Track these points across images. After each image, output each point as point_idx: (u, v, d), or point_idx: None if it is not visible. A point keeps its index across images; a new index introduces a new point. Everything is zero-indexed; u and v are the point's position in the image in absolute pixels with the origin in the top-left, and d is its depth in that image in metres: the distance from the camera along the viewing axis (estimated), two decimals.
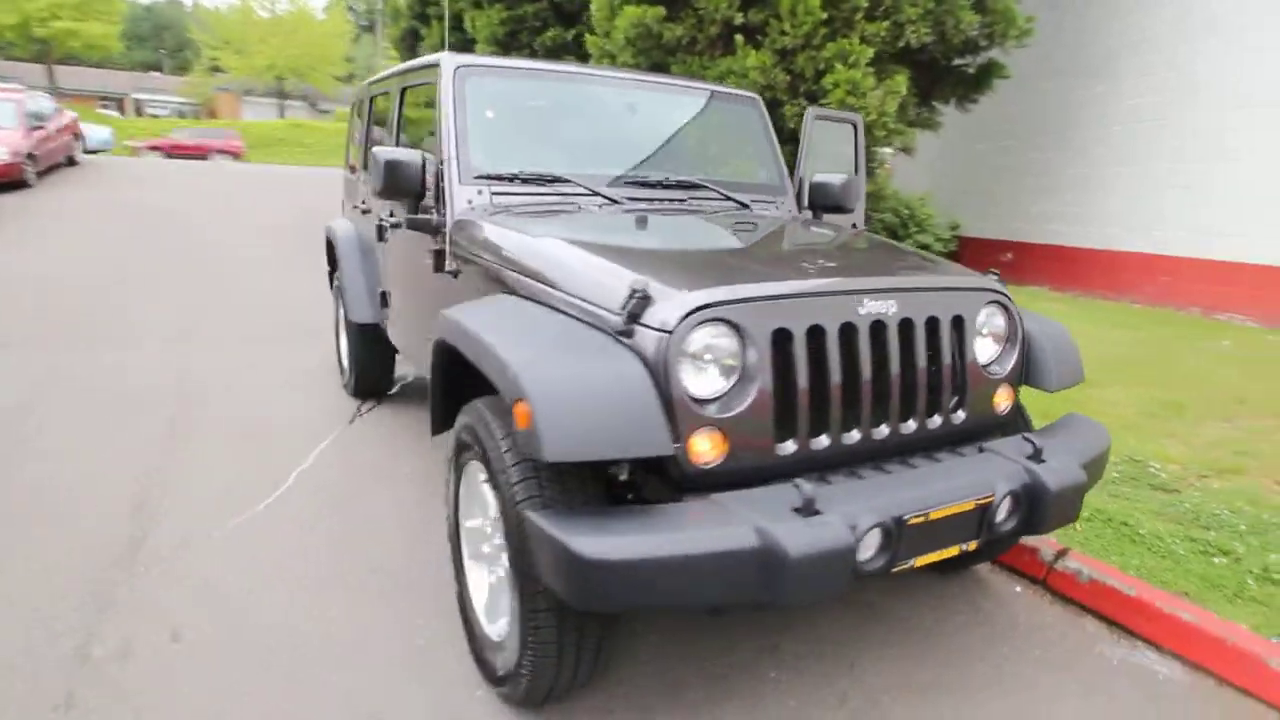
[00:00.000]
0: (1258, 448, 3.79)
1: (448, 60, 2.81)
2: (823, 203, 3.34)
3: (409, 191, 2.70)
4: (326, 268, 4.99)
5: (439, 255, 2.70)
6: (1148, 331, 6.70)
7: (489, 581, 2.12)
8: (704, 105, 3.31)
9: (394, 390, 4.55)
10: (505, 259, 2.27)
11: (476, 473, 2.10)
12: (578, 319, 1.91)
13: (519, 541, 1.71)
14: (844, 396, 1.90)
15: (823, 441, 1.88)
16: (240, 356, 5.19)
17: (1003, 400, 2.25)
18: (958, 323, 2.10)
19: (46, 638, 2.25)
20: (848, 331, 1.90)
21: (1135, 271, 8.14)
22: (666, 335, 1.71)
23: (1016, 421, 2.38)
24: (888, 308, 1.97)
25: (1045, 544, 2.76)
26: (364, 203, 4.00)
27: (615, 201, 2.77)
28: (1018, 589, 2.74)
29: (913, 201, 8.36)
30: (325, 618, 2.41)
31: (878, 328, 1.95)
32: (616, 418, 1.62)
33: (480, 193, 2.66)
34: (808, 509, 1.66)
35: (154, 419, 4.00)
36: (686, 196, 2.98)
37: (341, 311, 4.47)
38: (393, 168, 2.62)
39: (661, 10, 6.44)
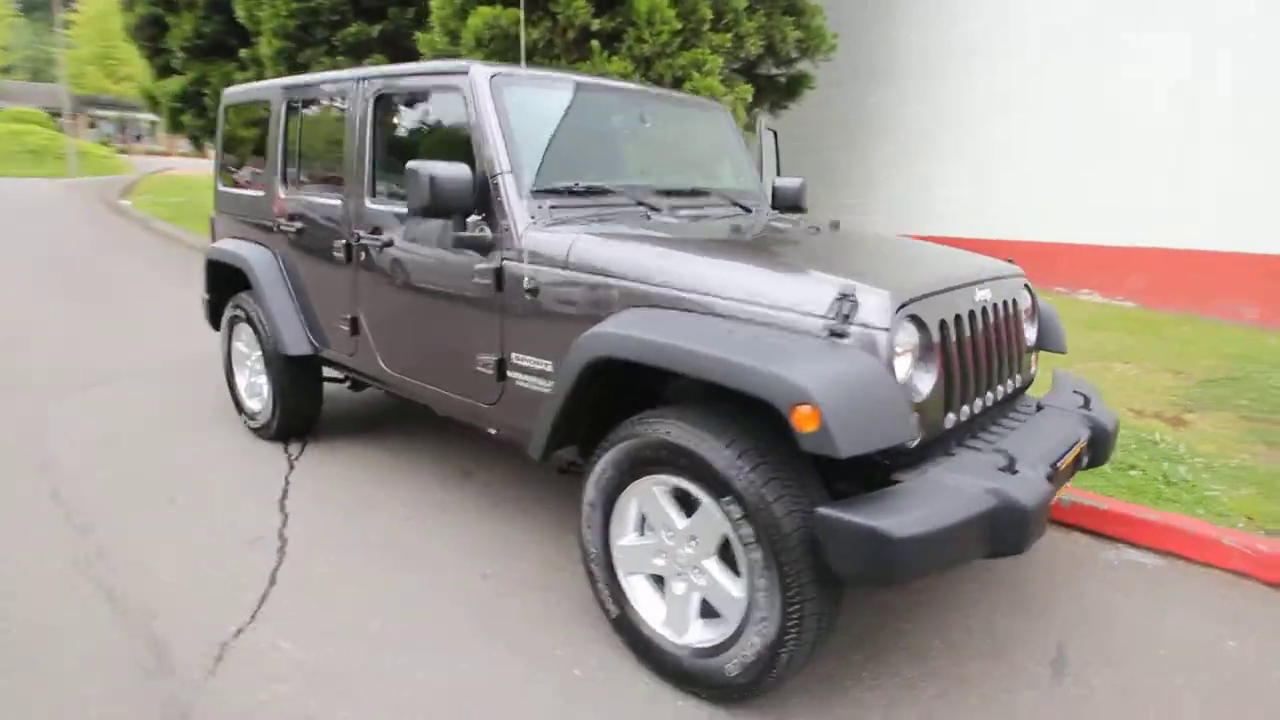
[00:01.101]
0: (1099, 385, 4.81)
1: (479, 70, 2.66)
2: (784, 204, 3.65)
3: (458, 209, 2.54)
4: (205, 298, 4.33)
5: (498, 274, 2.57)
6: None
7: (676, 592, 2.12)
8: (694, 115, 3.44)
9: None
10: (634, 273, 2.25)
11: (653, 487, 2.10)
12: (761, 324, 2.00)
13: (785, 537, 1.79)
14: (978, 370, 2.21)
15: (966, 411, 2.18)
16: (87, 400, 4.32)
17: (1033, 364, 2.72)
18: (1015, 302, 2.52)
19: None
20: (972, 316, 2.21)
21: None
22: (885, 332, 1.88)
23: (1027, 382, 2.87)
24: (988, 294, 2.31)
25: None
26: (290, 221, 3.56)
27: (657, 210, 2.83)
28: None
29: None
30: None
31: (984, 311, 2.28)
32: (879, 411, 1.76)
33: (541, 207, 2.58)
34: (1011, 467, 1.94)
35: (25, 492, 3.25)
36: (703, 203, 3.11)
37: (242, 346, 3.96)
38: (441, 184, 2.45)
39: (518, 12, 6.35)
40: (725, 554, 2.02)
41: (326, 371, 3.84)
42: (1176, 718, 2.10)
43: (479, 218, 2.59)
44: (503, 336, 2.62)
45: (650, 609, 2.20)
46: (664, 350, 1.97)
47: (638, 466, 2.10)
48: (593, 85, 2.99)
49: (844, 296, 1.90)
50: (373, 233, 3.07)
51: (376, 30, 8.81)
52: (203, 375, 5.11)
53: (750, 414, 1.95)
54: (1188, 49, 7.12)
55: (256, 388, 4.07)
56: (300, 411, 3.90)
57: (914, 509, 1.74)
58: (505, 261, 2.56)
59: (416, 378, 3.07)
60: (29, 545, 2.88)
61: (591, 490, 2.23)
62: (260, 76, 10.14)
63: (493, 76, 2.66)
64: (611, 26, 6.49)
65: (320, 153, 3.50)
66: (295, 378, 3.80)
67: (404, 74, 2.98)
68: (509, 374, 2.63)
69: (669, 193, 2.99)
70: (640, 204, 2.82)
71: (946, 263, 2.47)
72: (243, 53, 10.30)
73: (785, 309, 1.99)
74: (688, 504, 2.08)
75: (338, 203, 3.26)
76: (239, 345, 4.13)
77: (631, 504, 2.19)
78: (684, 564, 2.09)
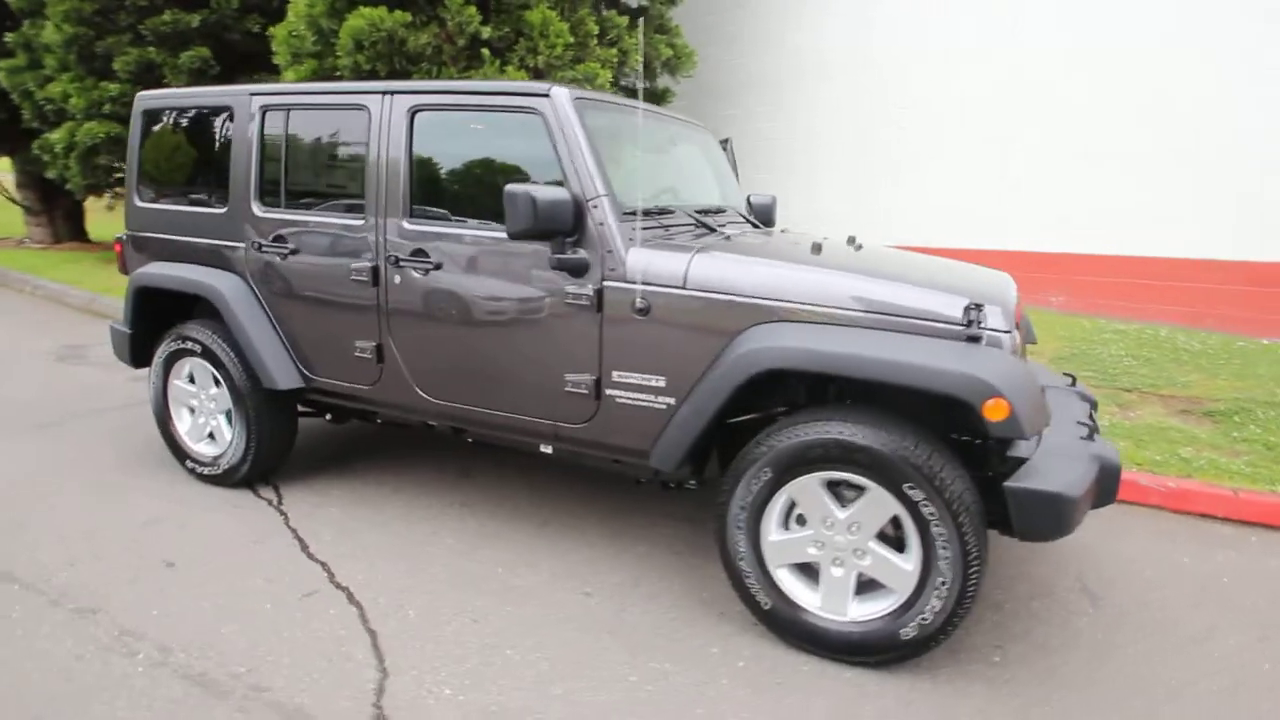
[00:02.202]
0: None
1: (561, 92, 2.67)
2: (761, 218, 3.99)
3: (558, 231, 2.56)
4: (126, 332, 3.75)
5: (599, 295, 2.62)
6: None
7: (835, 576, 2.36)
8: (696, 136, 3.64)
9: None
10: (764, 291, 2.42)
11: (811, 483, 2.32)
12: (900, 332, 2.30)
13: (966, 509, 2.11)
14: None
15: None
16: None
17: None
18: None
19: None
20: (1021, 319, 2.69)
21: None
22: (1008, 335, 2.27)
23: None
24: (1018, 297, 2.81)
25: None
26: (274, 243, 3.24)
27: (710, 228, 3.02)
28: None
29: None
30: None
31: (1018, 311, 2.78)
32: (1037, 399, 2.13)
33: (634, 228, 2.67)
34: (1090, 435, 2.43)
35: None
36: (725, 220, 3.34)
37: (183, 384, 3.61)
38: (543, 206, 2.47)
39: (407, 15, 6.08)
40: (881, 535, 2.30)
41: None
42: (1178, 617, 2.72)
43: (572, 240, 2.62)
44: (601, 356, 2.67)
45: (805, 596, 2.41)
46: (845, 360, 2.19)
47: (800, 466, 2.30)
48: (630, 108, 3.09)
49: (975, 306, 2.26)
50: (413, 255, 2.93)
51: (197, 20, 7.87)
52: (82, 422, 4.40)
53: (900, 410, 2.26)
54: (1003, 66, 8.29)
55: (206, 430, 3.63)
56: (277, 451, 3.56)
57: (1068, 474, 2.14)
58: (606, 283, 2.62)
59: (468, 403, 2.98)
60: (52, 659, 2.41)
61: (743, 492, 2.39)
62: (35, 66, 8.61)
63: (575, 99, 2.70)
64: (500, 35, 6.45)
65: (320, 169, 3.23)
66: (274, 414, 3.46)
67: (452, 90, 2.87)
68: (607, 392, 2.69)
69: (703, 211, 3.18)
70: (698, 223, 2.99)
71: (988, 274, 2.92)
72: (9, 38, 8.63)
73: (922, 318, 2.30)
74: (836, 495, 2.34)
75: (358, 223, 3.05)
76: (179, 384, 3.64)
77: (780, 502, 2.39)
78: (843, 549, 2.34)
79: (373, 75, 6.32)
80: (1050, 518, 2.07)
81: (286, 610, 2.61)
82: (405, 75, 6.37)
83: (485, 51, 6.39)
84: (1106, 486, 2.31)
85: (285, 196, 3.26)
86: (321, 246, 3.16)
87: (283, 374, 3.31)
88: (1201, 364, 5.47)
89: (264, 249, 3.28)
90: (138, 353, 3.79)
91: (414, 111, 2.92)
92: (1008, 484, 2.08)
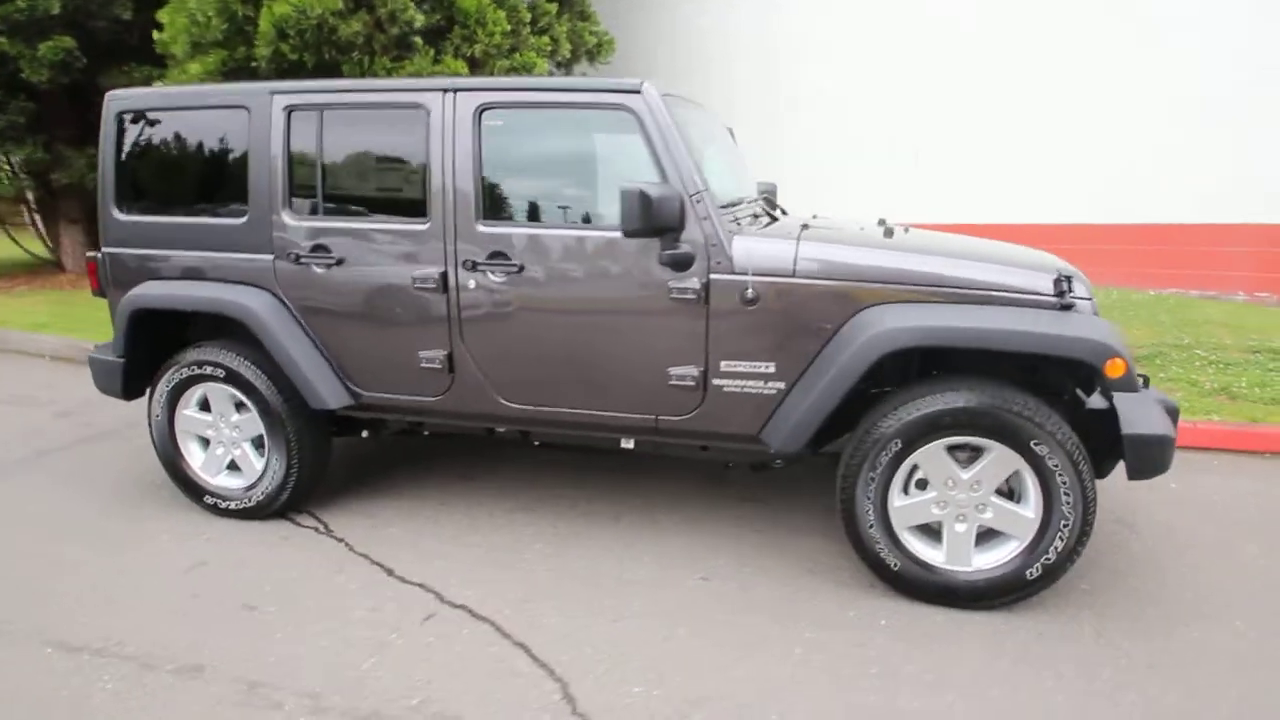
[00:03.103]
0: None
1: (652, 89, 2.68)
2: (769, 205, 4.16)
3: (669, 227, 2.60)
4: (120, 360, 3.35)
5: (706, 287, 2.68)
6: None
7: (958, 531, 2.57)
8: (719, 128, 3.72)
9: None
10: (876, 274, 2.58)
11: (936, 449, 2.52)
12: (1003, 305, 2.54)
13: (1084, 457, 2.40)
14: None
15: None
16: None
17: None
18: None
19: None
20: None
21: None
22: (1089, 302, 2.57)
23: None
24: None
25: None
26: (314, 254, 3.03)
27: (774, 217, 3.15)
28: None
29: None
30: None
31: None
32: (1132, 356, 2.44)
33: (735, 219, 2.75)
34: (1146, 383, 2.79)
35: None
36: (759, 210, 3.44)
37: (194, 413, 3.31)
38: (658, 204, 2.52)
39: (337, 2, 5.69)
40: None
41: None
42: (1201, 532, 3.19)
43: (678, 235, 2.66)
44: (708, 347, 2.74)
45: (930, 553, 2.62)
46: (979, 334, 2.40)
47: (928, 434, 2.49)
48: (692, 102, 3.13)
49: (1065, 278, 2.54)
50: (491, 258, 2.85)
51: (57, 5, 6.95)
52: (33, 466, 3.93)
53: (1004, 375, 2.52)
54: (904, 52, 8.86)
55: (225, 461, 3.35)
56: (317, 475, 3.34)
57: (1160, 419, 2.47)
58: (713, 275, 2.68)
59: (555, 405, 2.95)
60: None
61: (872, 464, 2.55)
62: None
63: (664, 96, 2.72)
64: (433, 23, 6.20)
65: (365, 172, 3.03)
66: (315, 436, 3.25)
67: (527, 88, 2.80)
68: (714, 382, 2.76)
69: (736, 202, 3.28)
70: (760, 212, 3.11)
71: (1038, 252, 3.21)
72: None
73: (1020, 292, 2.54)
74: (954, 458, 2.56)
75: (420, 228, 2.91)
76: (188, 414, 3.32)
77: (905, 469, 2.58)
78: (965, 505, 2.56)
79: (298, 67, 5.89)
80: (1160, 458, 2.39)
81: (417, 636, 2.50)
82: (334, 66, 5.98)
83: (418, 40, 6.12)
84: (1175, 427, 2.67)
85: (322, 203, 3.04)
86: (373, 255, 2.98)
87: (332, 393, 3.11)
88: (1114, 316, 6.25)
89: (301, 260, 3.05)
90: (131, 383, 3.40)
91: (481, 110, 2.82)
92: (1126, 431, 2.38)
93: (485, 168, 2.85)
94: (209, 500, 3.34)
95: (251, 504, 3.28)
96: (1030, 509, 2.50)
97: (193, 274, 3.23)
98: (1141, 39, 7.68)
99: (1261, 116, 7.42)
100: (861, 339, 2.51)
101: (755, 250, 2.67)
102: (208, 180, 3.24)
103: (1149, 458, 2.40)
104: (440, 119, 2.85)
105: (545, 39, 6.77)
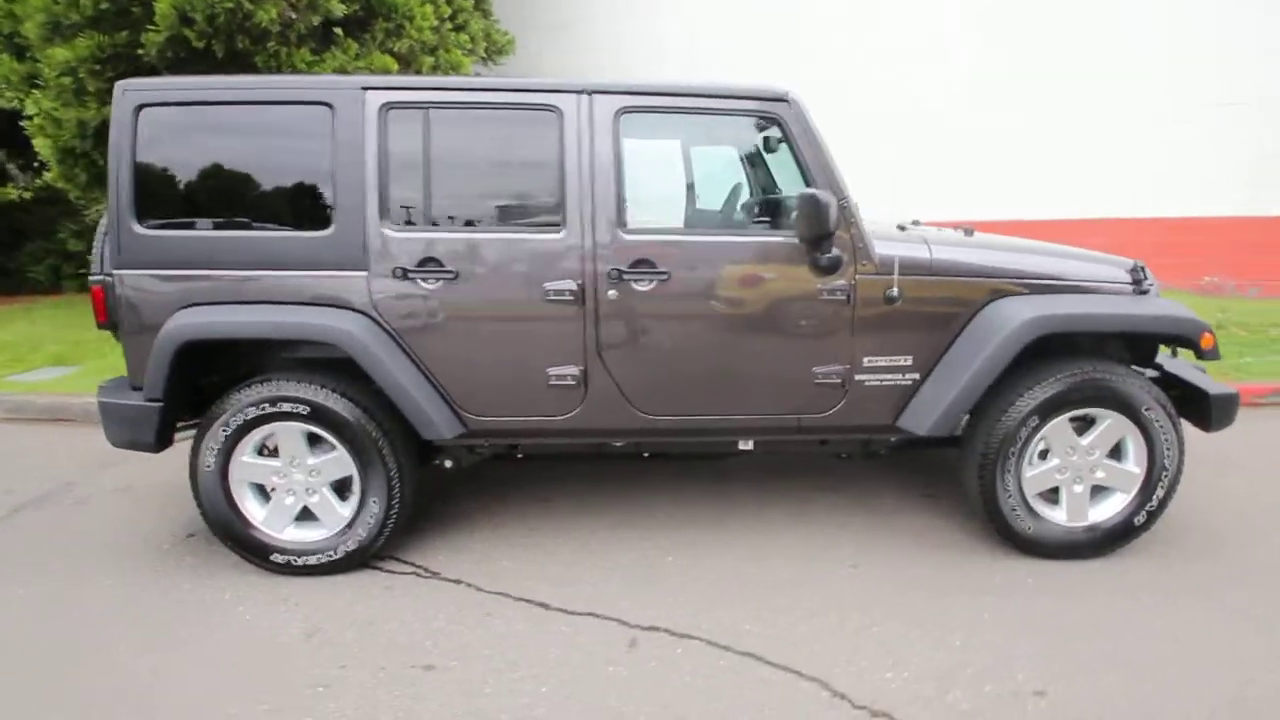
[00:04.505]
0: None
1: (798, 97, 2.75)
2: None
3: (830, 233, 2.71)
4: (156, 402, 2.78)
5: (852, 288, 2.82)
6: None
7: (1076, 491, 2.94)
8: None
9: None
10: (1000, 270, 2.88)
11: (1062, 421, 2.87)
12: (1096, 294, 2.94)
13: (1175, 416, 2.85)
14: None
15: None
16: None
17: None
18: None
19: None
20: None
21: None
22: (1155, 285, 3.05)
23: None
24: None
25: None
26: (422, 268, 2.75)
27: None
28: None
29: None
30: None
31: None
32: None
33: (872, 223, 2.91)
34: (1174, 351, 3.35)
35: None
36: None
37: (256, 459, 2.88)
38: (834, 211, 2.64)
39: None
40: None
41: None
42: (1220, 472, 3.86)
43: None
44: (853, 345, 2.88)
45: (1056, 514, 2.96)
46: (1107, 319, 2.79)
47: (1060, 408, 2.82)
48: None
49: (1139, 268, 3.00)
50: (634, 266, 2.77)
51: None
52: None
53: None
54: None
55: (295, 511, 2.93)
56: (413, 502, 3.02)
57: (1220, 381, 3.00)
58: (859, 276, 2.83)
59: (695, 413, 2.93)
60: None
61: (1012, 439, 2.83)
62: None
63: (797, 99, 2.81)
64: (351, 13, 5.70)
65: (482, 178, 2.78)
66: (414, 471, 2.96)
67: (670, 92, 2.74)
68: (856, 378, 2.91)
69: None
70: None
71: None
72: None
73: (1109, 281, 2.97)
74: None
75: (553, 237, 2.75)
76: (246, 460, 2.86)
77: (1036, 441, 2.89)
78: (1081, 469, 2.93)
79: (201, 56, 5.13)
80: (1234, 412, 2.92)
81: (638, 664, 2.40)
82: (248, 56, 5.28)
83: (339, 32, 5.59)
84: None
85: (432, 213, 2.76)
86: (497, 268, 2.77)
87: (445, 422, 2.84)
88: None
89: (409, 275, 2.74)
90: (166, 431, 2.84)
91: (621, 113, 2.73)
92: (1213, 392, 2.87)
93: (624, 173, 2.76)
94: (278, 559, 2.89)
95: (338, 555, 2.89)
96: (1134, 465, 2.93)
97: (247, 296, 2.77)
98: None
99: None
100: (1009, 328, 2.78)
101: (894, 252, 2.86)
102: (270, 187, 2.80)
103: (1227, 413, 2.92)
104: (575, 123, 2.72)
105: (464, 36, 6.45)
